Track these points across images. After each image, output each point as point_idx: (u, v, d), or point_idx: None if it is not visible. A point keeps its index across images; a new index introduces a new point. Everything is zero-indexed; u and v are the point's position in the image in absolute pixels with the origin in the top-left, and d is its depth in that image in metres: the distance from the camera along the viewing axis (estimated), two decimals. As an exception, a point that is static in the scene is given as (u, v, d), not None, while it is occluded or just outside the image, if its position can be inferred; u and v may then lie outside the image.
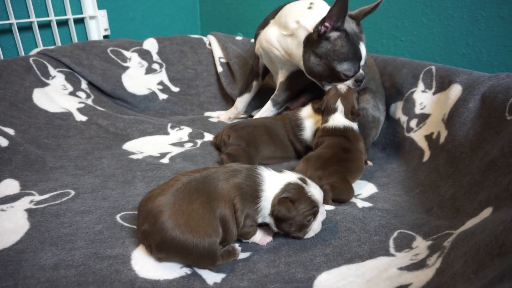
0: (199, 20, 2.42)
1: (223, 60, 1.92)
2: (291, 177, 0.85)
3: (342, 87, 1.23)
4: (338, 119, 1.21)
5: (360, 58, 1.21)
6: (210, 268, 0.79)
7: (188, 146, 1.43)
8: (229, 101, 1.92)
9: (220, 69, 1.90)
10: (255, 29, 1.54)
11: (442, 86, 1.30)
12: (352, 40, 1.18)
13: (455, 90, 1.21)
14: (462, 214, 0.89)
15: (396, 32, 1.65)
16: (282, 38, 1.36)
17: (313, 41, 1.22)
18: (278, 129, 1.36)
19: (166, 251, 0.75)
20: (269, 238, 0.88)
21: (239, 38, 1.99)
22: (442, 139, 1.19)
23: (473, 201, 0.88)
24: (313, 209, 0.83)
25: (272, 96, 1.50)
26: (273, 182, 0.83)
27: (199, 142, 1.46)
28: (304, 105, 1.49)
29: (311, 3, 1.31)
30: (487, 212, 0.79)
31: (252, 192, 0.81)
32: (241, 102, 1.75)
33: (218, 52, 1.93)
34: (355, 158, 1.15)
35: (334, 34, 1.19)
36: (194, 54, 1.94)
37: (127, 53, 1.82)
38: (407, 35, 1.63)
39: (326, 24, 1.17)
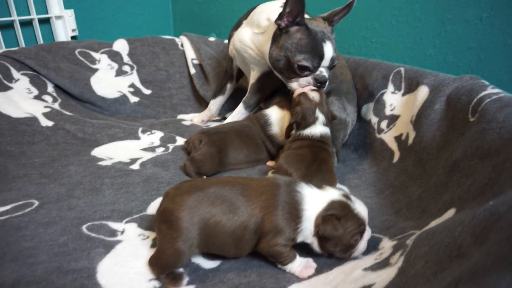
0: (172, 20, 2.38)
1: (195, 62, 1.90)
2: (334, 194, 0.79)
3: (314, 95, 1.19)
4: (317, 129, 1.18)
5: (321, 54, 1.19)
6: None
7: (160, 151, 1.40)
8: (202, 103, 1.90)
9: (193, 70, 1.87)
10: (228, 29, 1.53)
11: (411, 87, 1.33)
12: (313, 36, 1.18)
13: (423, 92, 1.24)
14: (427, 215, 0.91)
15: (366, 33, 1.68)
16: (255, 37, 1.35)
17: (277, 36, 1.23)
18: (248, 130, 1.35)
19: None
20: (311, 271, 0.79)
21: (212, 39, 1.97)
22: (410, 140, 1.21)
23: (438, 201, 0.91)
24: (360, 227, 0.77)
25: (244, 99, 1.49)
26: (315, 200, 0.78)
27: (171, 146, 1.44)
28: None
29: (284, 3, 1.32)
30: (450, 213, 0.81)
31: (291, 210, 0.76)
32: (215, 104, 1.73)
33: (190, 54, 1.90)
34: (331, 160, 1.16)
35: (293, 28, 1.19)
36: (166, 55, 1.91)
37: (96, 55, 1.77)
38: (377, 36, 1.65)
39: (288, 19, 1.17)
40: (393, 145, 1.31)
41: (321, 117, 1.18)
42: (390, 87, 1.41)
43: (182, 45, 1.95)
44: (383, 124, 1.38)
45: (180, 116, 1.83)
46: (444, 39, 1.48)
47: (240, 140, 1.32)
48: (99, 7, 2.02)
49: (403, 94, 1.36)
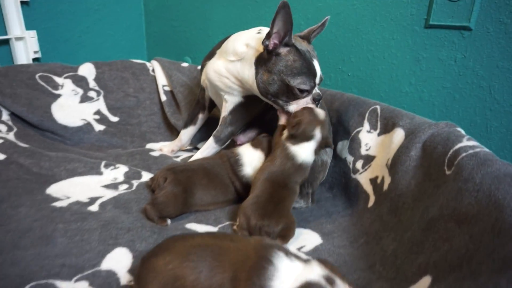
0: (145, 41, 2.30)
1: (167, 88, 1.82)
2: (314, 273, 0.66)
3: (319, 112, 1.18)
4: (306, 151, 1.15)
5: (314, 73, 1.18)
6: None
7: (123, 188, 1.30)
8: (173, 132, 1.81)
9: (163, 97, 1.79)
10: (203, 54, 1.47)
11: (386, 128, 1.30)
12: (304, 55, 1.15)
13: (398, 135, 1.20)
14: (401, 276, 0.86)
15: (343, 66, 1.65)
16: (231, 65, 1.29)
17: (264, 59, 1.18)
18: (217, 169, 1.28)
19: None
20: None
21: (185, 64, 1.90)
22: (386, 186, 1.17)
23: (413, 262, 0.86)
24: None
25: (214, 132, 1.42)
26: (288, 277, 0.66)
27: (135, 183, 1.34)
28: (251, 139, 1.43)
29: (260, 29, 1.28)
30: (426, 281, 0.75)
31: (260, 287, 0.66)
32: (186, 134, 1.66)
33: (162, 80, 1.82)
34: (289, 200, 1.13)
35: (284, 50, 1.15)
36: (136, 80, 1.82)
37: (59, 80, 1.66)
38: (353, 70, 1.63)
39: (274, 40, 1.13)
40: (368, 187, 1.26)
41: (318, 135, 1.15)
42: (366, 126, 1.38)
43: (153, 70, 1.87)
44: (358, 164, 1.34)
45: (149, 145, 1.74)
46: (420, 77, 1.47)
47: (208, 180, 1.24)
48: (65, 27, 1.91)
49: (379, 134, 1.32)
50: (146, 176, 1.40)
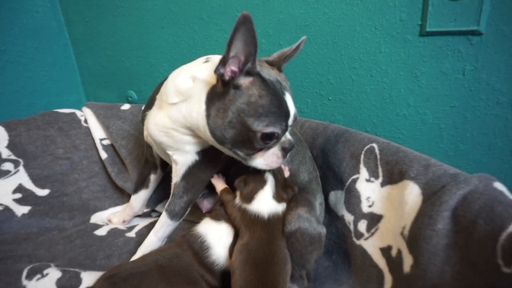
0: (79, 76, 1.89)
1: (106, 142, 1.44)
2: None
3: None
4: (265, 200, 0.95)
5: (287, 113, 0.85)
6: None
7: (54, 308, 0.95)
8: (125, 192, 1.45)
9: (104, 155, 1.42)
10: (149, 86, 1.14)
11: (392, 177, 0.99)
12: (273, 88, 0.83)
13: (412, 192, 0.90)
14: None
15: (321, 90, 1.33)
16: (175, 110, 0.94)
17: (218, 95, 0.84)
18: (177, 263, 0.94)
19: None
20: None
21: (125, 107, 1.53)
22: (406, 267, 0.86)
23: None
24: None
25: (166, 206, 1.07)
26: None
27: (71, 298, 0.99)
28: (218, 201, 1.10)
29: (207, 58, 0.94)
30: None
31: None
32: (138, 200, 1.31)
33: (98, 132, 1.45)
34: (283, 265, 0.89)
35: (245, 80, 0.82)
36: (66, 137, 1.43)
37: (-44, 156, 1.26)
38: (335, 93, 1.31)
39: (233, 68, 0.81)
40: (380, 261, 0.96)
41: (270, 179, 0.98)
42: (364, 172, 1.07)
43: (86, 120, 1.48)
44: (362, 226, 1.03)
45: (94, 219, 1.38)
46: (420, 96, 1.17)
47: (167, 284, 0.90)
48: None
49: (383, 184, 1.02)
50: (87, 280, 1.04)
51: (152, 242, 1.07)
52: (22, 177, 1.33)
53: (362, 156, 1.08)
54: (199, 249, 0.95)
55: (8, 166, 1.32)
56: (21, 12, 1.58)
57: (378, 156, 1.04)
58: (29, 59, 1.64)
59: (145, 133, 1.13)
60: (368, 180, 1.05)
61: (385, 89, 1.20)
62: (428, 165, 0.91)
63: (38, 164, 1.37)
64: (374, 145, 1.06)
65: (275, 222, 0.94)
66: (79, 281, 1.04)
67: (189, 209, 1.09)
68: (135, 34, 1.62)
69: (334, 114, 1.33)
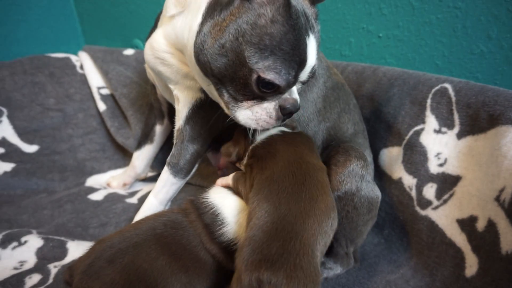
0: (79, 24, 1.66)
1: (105, 92, 1.21)
2: None
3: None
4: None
5: (302, 59, 0.61)
6: None
7: (31, 284, 0.75)
8: (127, 153, 1.23)
9: (102, 106, 1.19)
10: None
11: (475, 124, 0.73)
12: (294, 19, 0.59)
13: (514, 141, 0.63)
14: None
15: (370, 24, 1.05)
16: (170, 26, 0.72)
17: (222, 4, 0.61)
18: (183, 236, 0.70)
19: None
20: None
21: (129, 52, 1.28)
22: (506, 244, 0.61)
23: None
24: None
25: (169, 158, 0.84)
26: None
27: (53, 271, 0.78)
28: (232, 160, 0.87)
29: None
30: None
31: None
32: (141, 158, 1.09)
33: (95, 79, 1.22)
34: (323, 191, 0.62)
35: None
36: (58, 85, 1.20)
37: None
38: (387, 28, 1.03)
39: None
40: (457, 237, 0.71)
41: None
42: (431, 122, 0.80)
43: (82, 66, 1.25)
44: (429, 192, 0.78)
45: (90, 182, 1.17)
46: (506, 24, 0.88)
47: (169, 258, 0.66)
48: None
49: (460, 136, 0.75)
50: (74, 252, 0.84)
51: (152, 206, 0.84)
52: (5, 129, 1.12)
53: (428, 101, 0.82)
54: (211, 223, 0.72)
55: (-12, 115, 1.11)
56: None
57: (454, 99, 0.78)
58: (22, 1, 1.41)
59: (146, 67, 0.89)
60: (437, 131, 0.79)
61: (458, 17, 0.92)
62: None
63: (25, 115, 1.15)
64: (447, 85, 0.80)
65: (294, 134, 0.71)
66: (64, 252, 0.84)
67: (196, 165, 0.86)
68: (140, -33, 1.36)
69: (385, 56, 1.06)
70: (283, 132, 0.72)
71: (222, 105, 0.67)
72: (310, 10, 0.65)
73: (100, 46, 1.30)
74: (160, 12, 0.80)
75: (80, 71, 1.25)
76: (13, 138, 1.13)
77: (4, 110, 1.13)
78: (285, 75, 0.60)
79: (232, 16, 0.59)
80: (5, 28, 1.38)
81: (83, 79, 1.23)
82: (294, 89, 0.66)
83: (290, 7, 0.58)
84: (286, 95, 0.64)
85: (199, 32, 0.63)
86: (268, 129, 0.68)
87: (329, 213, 0.61)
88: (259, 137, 0.71)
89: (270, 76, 0.59)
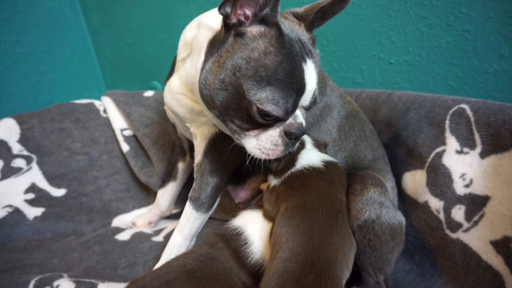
0: (99, 70, 1.75)
1: (128, 133, 1.26)
2: None
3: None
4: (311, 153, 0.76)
5: (300, 86, 0.63)
6: None
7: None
8: (151, 191, 1.26)
9: (125, 147, 1.23)
10: None
11: (497, 143, 0.72)
12: (288, 48, 0.61)
13: (541, 158, 0.63)
14: None
15: (380, 52, 1.08)
16: (183, 68, 0.76)
17: (219, 42, 0.65)
18: (211, 267, 0.72)
19: None
20: None
21: (149, 93, 1.34)
22: (546, 265, 0.59)
23: None
24: None
25: (190, 193, 0.86)
26: None
27: (85, 314, 0.79)
28: (255, 191, 0.89)
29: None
30: None
31: None
32: (165, 196, 1.11)
33: (118, 121, 1.27)
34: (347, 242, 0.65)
35: (254, 29, 0.62)
36: (83, 130, 1.26)
37: (-38, 153, 1.11)
38: (398, 54, 1.05)
39: (247, 10, 0.62)
40: (494, 260, 0.69)
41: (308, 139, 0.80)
42: (452, 143, 0.80)
43: (105, 110, 1.31)
44: (458, 214, 0.77)
45: (116, 222, 1.19)
46: (517, 42, 0.89)
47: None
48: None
49: (483, 155, 0.75)
50: (104, 292, 0.84)
51: (177, 243, 0.85)
52: (35, 175, 1.17)
53: (447, 122, 0.82)
54: (237, 247, 0.73)
55: (19, 162, 1.16)
56: (35, 0, 1.45)
57: (472, 119, 0.78)
58: (44, 52, 1.50)
59: (166, 108, 0.93)
60: (460, 152, 0.79)
61: (468, 39, 0.94)
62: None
63: (53, 160, 1.20)
64: (464, 105, 0.80)
65: (332, 169, 0.73)
66: (94, 294, 0.85)
67: (218, 198, 0.87)
68: (156, 14, 1.45)
69: (398, 81, 1.08)
70: (323, 166, 0.74)
71: (230, 134, 0.70)
72: (305, 36, 0.68)
73: (121, 90, 1.37)
74: (175, 57, 0.85)
75: (103, 115, 1.30)
76: (42, 183, 1.17)
77: (34, 156, 1.18)
78: (283, 105, 0.62)
79: (227, 53, 0.63)
80: (33, 79, 1.47)
81: (107, 122, 1.29)
82: (298, 113, 0.68)
83: (283, 37, 0.61)
84: (290, 121, 0.66)
85: (202, 69, 0.67)
86: (278, 159, 0.71)
87: (353, 251, 0.65)
88: (300, 163, 0.74)
89: (268, 107, 0.61)
